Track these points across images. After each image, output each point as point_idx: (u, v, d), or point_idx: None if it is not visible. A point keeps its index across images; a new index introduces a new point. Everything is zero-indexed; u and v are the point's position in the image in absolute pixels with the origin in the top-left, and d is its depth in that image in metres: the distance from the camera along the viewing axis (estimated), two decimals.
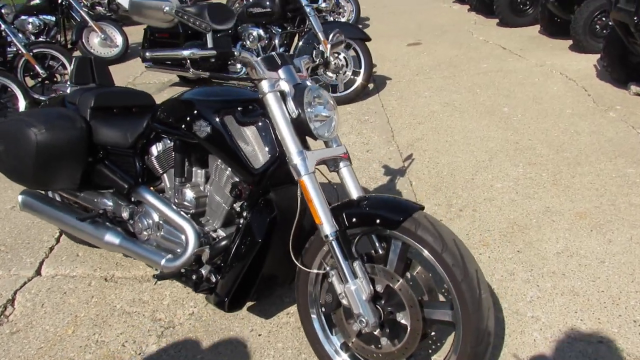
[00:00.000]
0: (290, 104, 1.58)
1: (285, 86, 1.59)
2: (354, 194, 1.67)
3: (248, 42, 4.80)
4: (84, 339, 2.08)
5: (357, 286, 1.49)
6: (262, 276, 1.81)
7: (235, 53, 1.52)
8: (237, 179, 1.77)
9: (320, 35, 4.43)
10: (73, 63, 2.48)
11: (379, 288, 1.55)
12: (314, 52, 1.87)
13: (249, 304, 2.18)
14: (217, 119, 1.70)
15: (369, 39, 4.61)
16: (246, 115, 1.73)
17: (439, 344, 1.87)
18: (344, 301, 1.54)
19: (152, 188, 2.09)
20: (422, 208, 1.53)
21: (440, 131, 3.84)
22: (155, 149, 2.06)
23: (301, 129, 1.59)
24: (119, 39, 7.42)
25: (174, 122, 1.82)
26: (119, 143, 2.09)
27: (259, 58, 1.63)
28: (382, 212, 1.50)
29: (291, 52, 4.66)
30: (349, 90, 4.63)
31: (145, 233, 2.05)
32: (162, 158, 2.03)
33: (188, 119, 1.76)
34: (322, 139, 1.65)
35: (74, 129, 2.06)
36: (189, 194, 1.92)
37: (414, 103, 4.51)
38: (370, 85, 5.07)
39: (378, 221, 1.49)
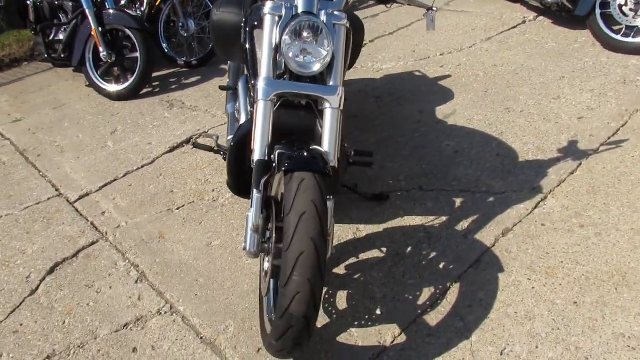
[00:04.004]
0: (278, 29, 1.66)
1: (283, 12, 1.66)
2: (324, 137, 1.66)
3: None
4: (206, 176, 2.85)
5: (250, 214, 1.56)
6: None
7: None
8: None
9: None
10: None
11: (269, 227, 1.64)
12: None
13: None
14: (249, 30, 1.96)
15: None
16: None
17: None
18: None
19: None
20: (327, 174, 1.50)
21: None
22: None
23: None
24: None
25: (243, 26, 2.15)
26: None
27: None
28: (284, 156, 1.55)
29: None
30: (635, 39, 3.50)
31: (235, 113, 2.55)
32: None
33: (242, 24, 2.12)
34: (298, 73, 1.67)
35: (237, 16, 2.59)
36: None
37: None
38: None
39: (275, 164, 1.57)
